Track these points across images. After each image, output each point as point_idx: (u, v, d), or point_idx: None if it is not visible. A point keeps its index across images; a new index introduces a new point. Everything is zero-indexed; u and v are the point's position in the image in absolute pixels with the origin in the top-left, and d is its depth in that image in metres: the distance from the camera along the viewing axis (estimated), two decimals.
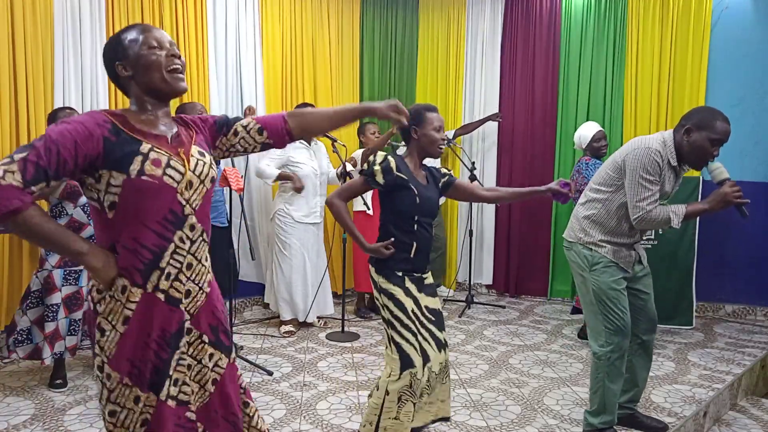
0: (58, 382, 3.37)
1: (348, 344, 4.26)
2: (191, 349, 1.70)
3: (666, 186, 2.66)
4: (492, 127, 5.75)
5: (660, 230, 4.71)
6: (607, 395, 2.73)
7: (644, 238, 4.67)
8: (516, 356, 4.05)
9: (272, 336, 4.42)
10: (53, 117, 3.38)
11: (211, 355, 1.73)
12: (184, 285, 1.64)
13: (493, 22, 5.75)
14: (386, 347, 2.48)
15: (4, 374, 3.56)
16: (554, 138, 5.54)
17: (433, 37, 5.94)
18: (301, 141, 4.47)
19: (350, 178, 4.28)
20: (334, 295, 4.97)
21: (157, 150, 1.59)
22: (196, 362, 1.71)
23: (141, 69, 1.61)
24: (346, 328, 4.49)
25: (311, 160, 4.51)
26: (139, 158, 1.55)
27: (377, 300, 2.51)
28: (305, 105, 4.52)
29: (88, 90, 4.03)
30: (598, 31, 5.34)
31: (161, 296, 1.61)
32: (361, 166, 4.48)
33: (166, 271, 1.60)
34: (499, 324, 4.84)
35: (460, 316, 5.01)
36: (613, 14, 5.28)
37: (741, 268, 5.03)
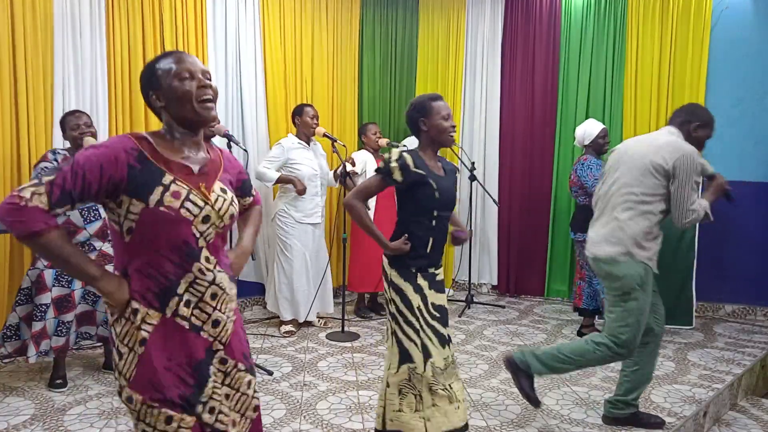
0: (58, 382, 3.37)
1: (348, 344, 4.26)
2: (228, 379, 1.71)
3: None
4: (492, 127, 5.75)
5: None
6: (557, 368, 2.83)
7: None
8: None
9: (272, 336, 4.43)
10: (63, 122, 3.40)
11: (249, 383, 1.77)
12: (210, 315, 1.66)
13: (493, 22, 5.75)
14: (387, 339, 2.50)
15: (4, 374, 3.56)
16: (554, 138, 5.54)
17: (433, 37, 5.94)
18: (300, 141, 4.47)
19: (350, 178, 4.28)
20: (335, 292, 4.96)
21: (179, 183, 1.61)
22: (234, 391, 1.73)
23: (173, 100, 1.63)
24: (346, 328, 4.49)
25: (311, 160, 4.51)
26: (160, 189, 1.57)
27: (386, 292, 2.50)
28: (304, 105, 4.52)
29: (87, 91, 4.03)
30: (598, 30, 5.35)
31: (185, 324, 1.62)
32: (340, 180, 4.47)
33: (185, 299, 1.62)
34: (498, 324, 4.84)
35: (459, 316, 5.01)
36: (613, 14, 5.28)
37: (741, 268, 5.03)
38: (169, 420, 1.57)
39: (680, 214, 2.65)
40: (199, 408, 1.62)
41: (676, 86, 5.05)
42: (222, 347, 1.69)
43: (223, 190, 1.71)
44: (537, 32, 5.60)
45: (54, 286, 3.28)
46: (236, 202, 1.77)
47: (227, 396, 1.71)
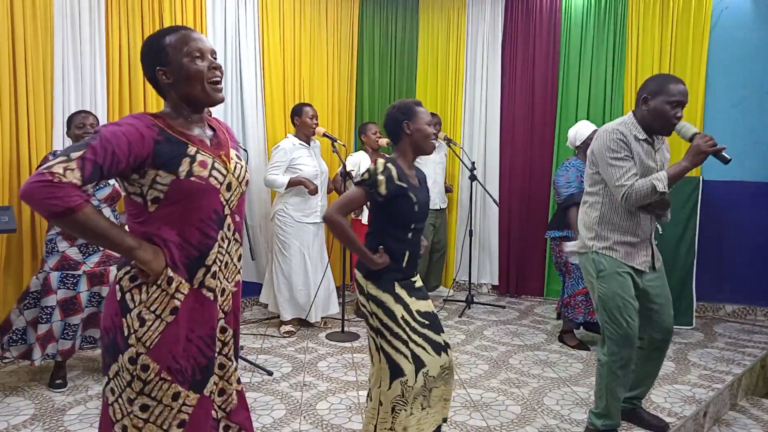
0: (58, 382, 3.37)
1: (348, 344, 4.26)
2: (225, 348, 1.72)
3: (647, 160, 2.63)
4: (492, 127, 5.75)
5: (659, 228, 4.72)
6: (610, 401, 2.72)
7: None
8: (516, 356, 4.05)
9: (272, 336, 4.42)
10: (70, 121, 3.41)
11: (234, 353, 1.78)
12: (221, 283, 1.67)
13: (493, 22, 5.75)
14: (373, 356, 2.37)
15: (4, 374, 3.56)
16: (554, 138, 5.54)
17: (433, 37, 5.94)
18: (300, 142, 4.47)
19: (350, 178, 4.28)
20: (338, 291, 4.96)
21: (203, 152, 1.62)
22: (229, 361, 1.74)
23: (183, 79, 1.62)
24: (346, 328, 4.49)
25: (312, 159, 4.50)
26: (188, 160, 1.58)
27: (363, 307, 2.37)
28: (303, 105, 4.52)
29: (88, 90, 4.03)
30: (598, 31, 5.35)
31: (209, 294, 1.63)
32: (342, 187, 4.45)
33: (212, 270, 1.63)
34: (499, 324, 4.84)
35: (460, 316, 5.01)
36: (613, 14, 5.28)
37: (741, 268, 5.03)
38: (176, 396, 1.57)
39: (615, 193, 2.59)
40: (210, 380, 1.63)
41: None
42: (224, 316, 1.71)
43: (238, 157, 1.75)
44: (537, 32, 5.60)
45: (59, 288, 3.28)
46: (248, 168, 1.80)
47: (221, 366, 1.71)
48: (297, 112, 4.51)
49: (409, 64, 5.99)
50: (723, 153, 2.50)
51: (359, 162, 4.76)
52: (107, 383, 1.59)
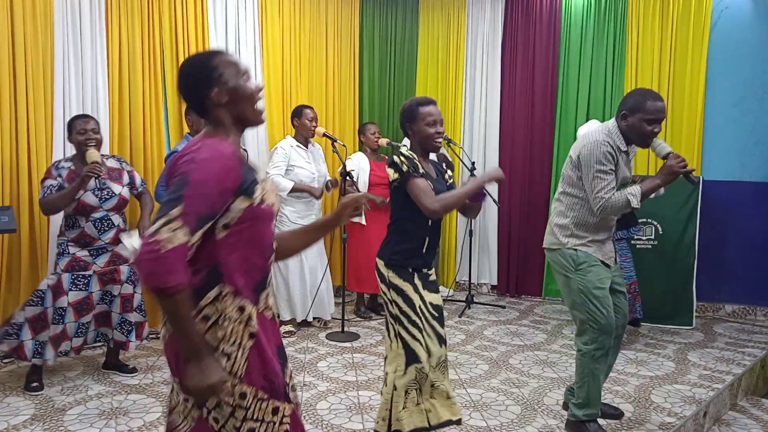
0: (34, 385, 3.32)
1: (348, 344, 4.26)
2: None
3: (624, 169, 2.77)
4: (492, 126, 5.75)
5: (660, 228, 4.72)
6: (591, 390, 2.81)
7: (644, 238, 4.77)
8: (516, 356, 4.05)
9: None
10: (71, 127, 3.38)
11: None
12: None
13: (493, 22, 5.75)
14: (390, 342, 2.48)
15: (4, 374, 3.56)
16: (554, 138, 5.54)
17: (433, 37, 5.94)
18: (299, 144, 4.47)
19: (350, 177, 4.28)
20: (335, 292, 4.95)
21: (263, 180, 1.63)
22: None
23: (239, 99, 1.60)
24: (346, 328, 4.49)
25: (309, 163, 4.50)
26: (259, 186, 1.58)
27: (384, 295, 2.50)
28: (303, 107, 4.52)
29: (88, 91, 4.02)
30: (598, 31, 5.34)
31: (269, 314, 1.65)
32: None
33: (269, 291, 1.65)
34: (499, 324, 4.84)
35: (460, 316, 5.01)
36: (613, 14, 5.28)
37: (741, 268, 5.03)
38: (275, 411, 1.59)
39: (591, 201, 2.71)
40: (290, 394, 1.67)
41: (676, 86, 5.05)
42: None
43: None
44: (537, 32, 5.60)
45: (71, 290, 3.29)
46: None
47: None
48: (297, 113, 4.51)
49: (409, 64, 5.99)
50: (691, 175, 2.65)
51: (358, 162, 4.76)
52: (208, 413, 1.58)
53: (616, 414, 3.05)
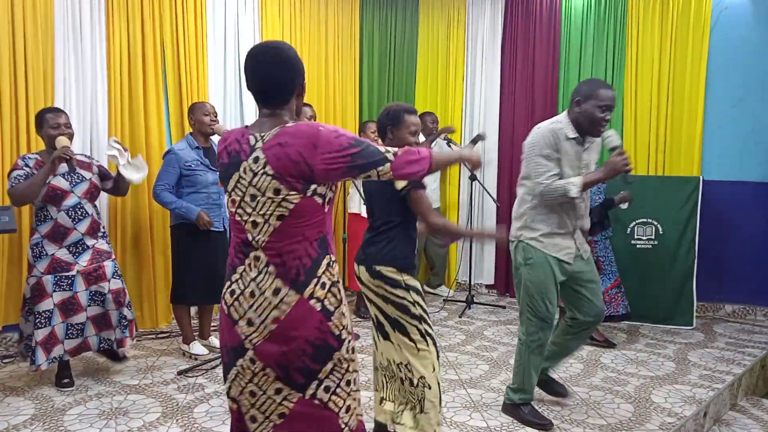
0: (65, 381, 3.34)
1: None
2: None
3: (574, 159, 2.82)
4: (492, 126, 5.75)
5: (660, 228, 4.72)
6: (525, 376, 2.96)
7: (644, 238, 4.76)
8: None
9: None
10: (42, 120, 3.25)
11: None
12: None
13: (493, 22, 5.75)
14: (419, 342, 2.46)
15: (4, 374, 3.56)
16: None
17: (433, 37, 5.94)
18: None
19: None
20: None
21: None
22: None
23: (302, 93, 1.87)
24: None
25: None
26: None
27: (402, 299, 2.47)
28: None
29: (88, 90, 4.03)
30: (598, 31, 5.34)
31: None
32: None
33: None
34: (499, 324, 4.84)
35: (460, 317, 5.01)
36: (613, 14, 5.28)
37: (741, 268, 5.03)
38: (354, 350, 1.82)
39: (534, 186, 2.82)
40: None
41: (676, 86, 5.05)
42: None
43: None
44: (537, 32, 5.60)
45: (54, 291, 3.21)
46: None
47: None
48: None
49: (409, 64, 5.99)
50: (627, 176, 2.75)
51: None
52: (318, 386, 1.71)
53: (562, 393, 3.22)
